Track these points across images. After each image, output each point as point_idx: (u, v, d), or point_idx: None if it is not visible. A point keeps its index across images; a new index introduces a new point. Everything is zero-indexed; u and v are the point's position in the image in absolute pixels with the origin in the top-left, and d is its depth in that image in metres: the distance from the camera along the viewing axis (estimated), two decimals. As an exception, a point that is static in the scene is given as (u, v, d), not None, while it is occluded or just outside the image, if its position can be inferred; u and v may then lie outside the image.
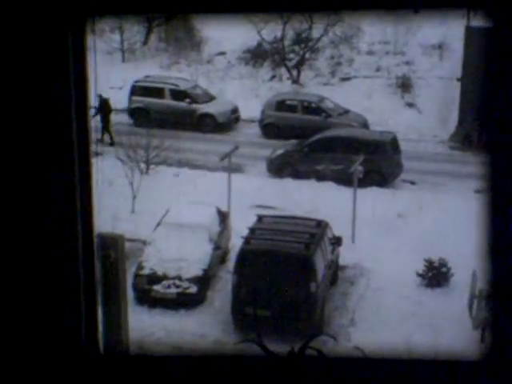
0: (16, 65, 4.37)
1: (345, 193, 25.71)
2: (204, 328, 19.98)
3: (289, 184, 27.79)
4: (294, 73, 38.72)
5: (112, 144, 30.26)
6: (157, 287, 21.01)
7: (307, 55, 39.30)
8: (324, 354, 4.06)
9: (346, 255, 22.62)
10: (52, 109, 4.43)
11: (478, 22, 30.32)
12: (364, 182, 26.07)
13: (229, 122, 33.95)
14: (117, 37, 41.30)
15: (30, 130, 4.45)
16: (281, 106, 33.48)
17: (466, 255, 20.65)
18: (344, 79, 38.30)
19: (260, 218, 21.94)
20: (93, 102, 26.41)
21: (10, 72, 4.38)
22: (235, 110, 34.45)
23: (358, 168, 25.17)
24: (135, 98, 34.16)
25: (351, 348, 17.10)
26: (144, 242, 22.65)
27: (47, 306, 4.48)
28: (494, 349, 4.07)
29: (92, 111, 27.99)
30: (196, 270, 21.26)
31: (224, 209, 24.04)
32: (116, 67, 38.48)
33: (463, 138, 30.89)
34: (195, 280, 21.07)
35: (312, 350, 4.22)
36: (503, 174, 3.99)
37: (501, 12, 3.96)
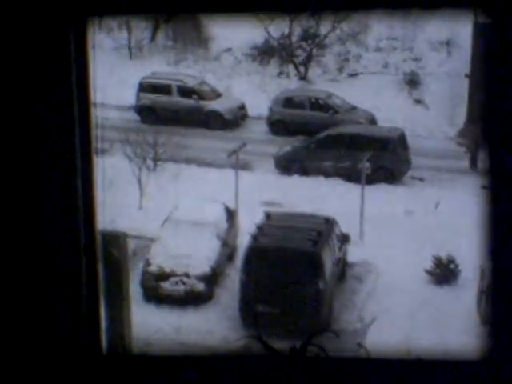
0: (18, 64, 4.35)
1: (352, 190, 25.63)
2: (211, 325, 19.97)
3: (296, 181, 27.73)
4: (302, 69, 38.63)
5: None
6: (164, 284, 20.99)
7: (314, 51, 39.17)
8: (326, 351, 4.03)
9: (353, 252, 22.57)
10: (54, 107, 4.41)
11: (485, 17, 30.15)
12: (372, 179, 25.99)
13: (236, 119, 33.86)
14: (124, 34, 41.25)
15: (33, 129, 4.43)
16: (288, 102, 33.39)
17: (474, 252, 20.59)
18: (352, 75, 38.19)
19: (268, 215, 21.89)
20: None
21: (11, 71, 4.35)
22: (242, 107, 34.37)
23: (365, 165, 25.11)
24: (142, 94, 34.12)
25: (354, 344, 17.05)
26: (152, 239, 22.63)
27: (49, 305, 4.46)
28: (494, 349, 4.04)
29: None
30: (203, 267, 21.23)
31: (231, 206, 23.99)
32: (123, 64, 38.45)
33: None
34: (203, 277, 21.05)
35: (314, 347, 4.18)
36: (505, 170, 3.95)
37: (501, 11, 3.92)
